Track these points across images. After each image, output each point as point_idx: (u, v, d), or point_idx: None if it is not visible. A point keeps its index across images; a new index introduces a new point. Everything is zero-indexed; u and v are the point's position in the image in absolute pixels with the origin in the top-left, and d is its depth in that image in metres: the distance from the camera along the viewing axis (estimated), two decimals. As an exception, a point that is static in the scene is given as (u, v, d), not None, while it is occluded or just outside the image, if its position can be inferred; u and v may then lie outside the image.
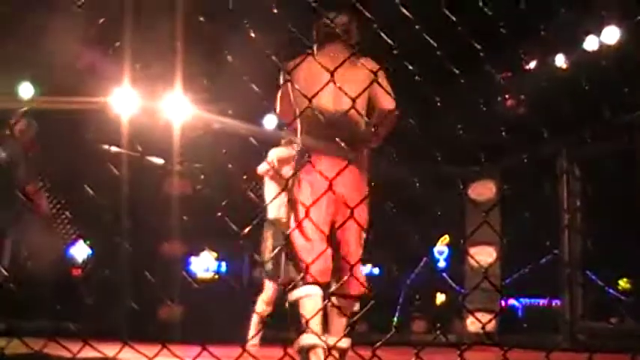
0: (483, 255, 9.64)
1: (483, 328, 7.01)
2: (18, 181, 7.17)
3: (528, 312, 11.22)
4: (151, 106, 9.07)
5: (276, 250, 6.29)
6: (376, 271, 12.11)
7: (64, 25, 7.32)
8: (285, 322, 3.95)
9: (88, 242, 10.51)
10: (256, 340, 6.22)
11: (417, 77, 2.62)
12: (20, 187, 7.16)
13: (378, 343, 2.90)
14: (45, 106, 8.80)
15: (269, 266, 6.50)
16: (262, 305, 6.71)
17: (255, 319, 6.64)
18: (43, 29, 7.69)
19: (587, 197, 9.14)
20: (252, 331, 6.52)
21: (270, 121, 10.50)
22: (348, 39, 4.00)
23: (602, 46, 8.29)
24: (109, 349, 2.98)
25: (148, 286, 7.36)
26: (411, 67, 2.67)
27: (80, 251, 10.51)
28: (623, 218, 8.23)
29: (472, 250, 9.64)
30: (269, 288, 6.65)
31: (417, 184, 5.98)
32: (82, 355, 2.69)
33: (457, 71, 2.69)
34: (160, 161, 8.33)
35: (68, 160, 9.65)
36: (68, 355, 2.65)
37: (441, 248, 11.62)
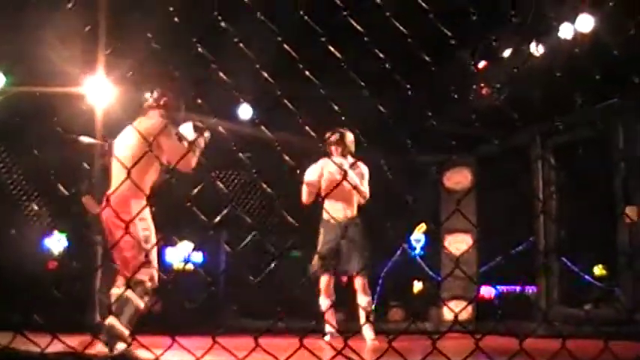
0: (459, 243, 9.67)
1: (456, 317, 7.05)
2: None
3: (504, 299, 11.27)
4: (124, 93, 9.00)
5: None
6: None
7: (34, 14, 7.25)
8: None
9: (64, 234, 10.39)
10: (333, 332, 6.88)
11: (387, 66, 2.59)
12: None
13: (351, 333, 2.90)
14: (16, 95, 8.72)
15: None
16: (325, 300, 7.25)
17: (327, 314, 7.29)
18: (11, 19, 7.59)
19: (562, 184, 9.19)
20: (328, 326, 7.01)
21: (244, 112, 10.49)
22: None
23: (576, 33, 8.30)
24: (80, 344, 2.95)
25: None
26: (382, 56, 2.65)
27: (56, 243, 10.40)
28: (598, 205, 8.29)
29: (448, 238, 9.68)
30: (324, 280, 7.22)
31: (390, 174, 6.06)
32: (51, 349, 2.65)
33: (428, 59, 2.66)
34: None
35: (40, 150, 9.54)
36: (37, 349, 2.61)
37: (418, 236, 11.62)
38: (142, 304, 4.97)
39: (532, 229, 9.31)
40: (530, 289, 10.20)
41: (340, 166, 6.85)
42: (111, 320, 4.83)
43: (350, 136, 7.31)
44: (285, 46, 2.57)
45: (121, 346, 4.75)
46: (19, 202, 10.03)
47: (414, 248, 11.44)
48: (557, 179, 9.23)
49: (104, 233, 5.38)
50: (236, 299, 9.72)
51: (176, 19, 2.98)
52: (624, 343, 3.61)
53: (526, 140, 9.25)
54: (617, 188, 8.11)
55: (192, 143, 5.24)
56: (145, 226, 5.07)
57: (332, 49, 2.51)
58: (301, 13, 2.55)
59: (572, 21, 8.25)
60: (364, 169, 7.29)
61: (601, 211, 8.37)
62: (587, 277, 9.10)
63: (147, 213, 5.06)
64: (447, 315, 9.90)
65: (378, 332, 7.35)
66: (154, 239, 5.12)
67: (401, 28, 2.62)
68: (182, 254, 10.71)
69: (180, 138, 5.33)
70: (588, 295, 8.79)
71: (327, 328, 7.03)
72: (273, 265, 2.72)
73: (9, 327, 3.15)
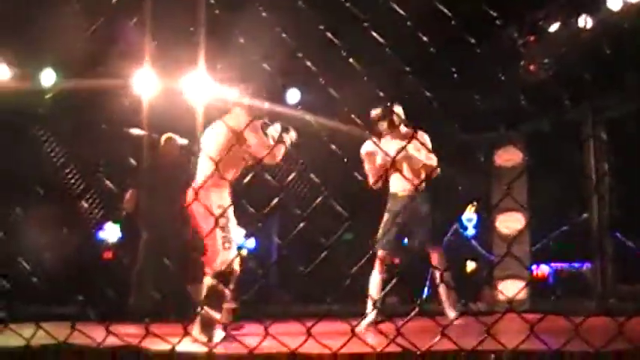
0: (512, 222, 9.53)
1: (510, 302, 6.95)
2: None
3: (559, 277, 11.14)
4: (172, 87, 9.09)
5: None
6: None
7: (80, 8, 7.32)
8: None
9: (118, 224, 10.52)
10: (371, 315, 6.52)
11: (431, 49, 2.56)
12: None
13: (403, 321, 2.88)
14: (68, 90, 8.85)
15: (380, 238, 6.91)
16: (376, 275, 6.89)
17: (372, 289, 6.81)
18: (58, 14, 7.69)
19: (615, 159, 9.02)
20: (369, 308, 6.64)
21: (292, 96, 10.46)
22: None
23: (625, 4, 8.13)
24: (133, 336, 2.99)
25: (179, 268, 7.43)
26: (425, 39, 2.62)
27: (110, 234, 10.55)
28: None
29: (500, 217, 9.55)
30: (380, 255, 6.88)
31: (441, 154, 6.01)
32: (107, 343, 2.70)
33: (472, 40, 2.62)
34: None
35: (94, 142, 9.69)
36: (93, 344, 2.66)
37: (470, 216, 11.54)
38: (224, 289, 5.22)
39: (586, 205, 9.16)
40: (586, 266, 10.07)
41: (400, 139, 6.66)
42: (204, 311, 5.08)
43: (398, 109, 6.97)
44: (329, 34, 2.55)
45: (219, 335, 5.03)
46: (72, 194, 10.18)
47: (466, 228, 11.37)
48: (609, 154, 9.06)
49: (192, 224, 5.61)
50: (289, 285, 9.75)
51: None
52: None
53: (577, 116, 9.09)
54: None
55: (279, 140, 5.58)
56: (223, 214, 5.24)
57: (374, 34, 2.48)
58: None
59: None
60: (422, 137, 6.76)
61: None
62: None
63: (226, 202, 5.34)
64: (501, 295, 9.81)
65: (430, 314, 7.27)
66: (233, 228, 5.38)
67: (444, 10, 2.59)
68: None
69: (267, 134, 5.61)
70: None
71: (368, 308, 6.81)
72: (323, 255, 2.72)
73: (66, 318, 3.22)
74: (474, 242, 10.83)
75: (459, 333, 2.96)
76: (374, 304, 6.49)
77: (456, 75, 2.53)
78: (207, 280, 5.25)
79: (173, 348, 2.87)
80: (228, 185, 5.45)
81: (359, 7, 2.71)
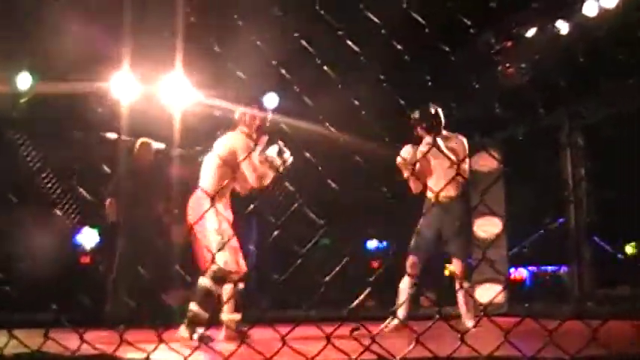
0: (490, 226, 9.59)
1: (485, 307, 6.98)
2: None
3: (537, 280, 11.19)
4: (151, 91, 9.06)
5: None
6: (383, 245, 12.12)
7: (57, 11, 7.29)
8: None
9: (96, 229, 10.45)
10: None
11: (405, 57, 2.57)
12: None
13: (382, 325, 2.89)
14: (45, 94, 8.78)
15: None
16: (405, 279, 6.83)
17: (402, 293, 6.78)
18: (35, 17, 7.64)
19: (592, 163, 9.09)
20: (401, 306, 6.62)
21: (270, 100, 10.41)
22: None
23: (601, 10, 8.19)
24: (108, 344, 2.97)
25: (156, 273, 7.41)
26: (399, 47, 2.62)
27: (88, 239, 10.47)
28: (630, 183, 8.19)
29: (478, 222, 9.60)
30: (409, 259, 6.81)
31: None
32: (82, 351, 2.68)
33: (446, 48, 2.63)
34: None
35: (70, 147, 9.63)
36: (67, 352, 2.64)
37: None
38: (217, 290, 5.49)
39: (563, 210, 9.23)
40: (563, 270, 10.14)
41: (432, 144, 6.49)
42: (191, 306, 5.41)
43: (434, 111, 6.68)
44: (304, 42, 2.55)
45: (200, 332, 5.35)
46: (47, 199, 10.10)
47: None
48: (586, 159, 9.13)
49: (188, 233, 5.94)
50: (266, 291, 9.72)
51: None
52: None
53: (554, 122, 9.15)
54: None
55: (270, 165, 5.78)
56: (215, 220, 5.50)
57: (349, 42, 2.49)
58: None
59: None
60: (458, 143, 6.71)
61: (633, 189, 8.27)
62: (619, 255, 9.03)
63: (221, 209, 5.58)
64: (479, 298, 9.86)
65: (411, 318, 7.23)
66: (228, 232, 5.55)
67: (418, 18, 2.60)
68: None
69: (263, 158, 5.82)
70: (621, 274, 8.72)
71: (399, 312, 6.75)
72: (297, 262, 2.71)
73: (40, 325, 3.20)
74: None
75: (435, 339, 2.96)
76: (394, 310, 6.44)
77: (430, 83, 2.54)
78: (201, 281, 5.46)
79: (148, 356, 2.86)
80: (227, 193, 5.77)
81: (335, 15, 2.71)
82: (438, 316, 2.81)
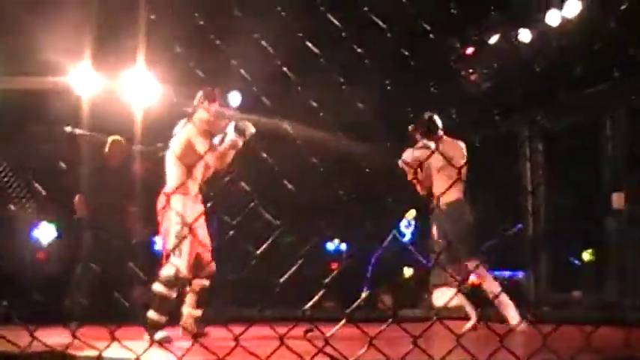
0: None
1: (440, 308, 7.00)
2: None
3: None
4: (113, 85, 8.98)
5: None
6: (343, 246, 12.16)
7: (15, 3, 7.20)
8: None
9: (54, 224, 10.32)
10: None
11: (365, 61, 2.58)
12: None
13: (334, 328, 2.89)
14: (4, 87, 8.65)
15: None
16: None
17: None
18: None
19: (551, 171, 9.20)
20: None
21: (234, 99, 10.40)
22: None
23: (564, 20, 8.29)
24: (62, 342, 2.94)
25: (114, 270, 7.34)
26: (360, 51, 2.63)
27: (45, 234, 10.33)
28: (587, 190, 8.31)
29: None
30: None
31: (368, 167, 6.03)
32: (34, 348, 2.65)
33: (407, 54, 2.65)
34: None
35: (30, 140, 9.50)
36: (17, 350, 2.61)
37: (408, 222, 11.63)
38: (171, 295, 5.45)
39: (521, 215, 9.33)
40: (521, 274, 10.23)
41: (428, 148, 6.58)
42: (149, 312, 5.40)
43: (435, 118, 6.82)
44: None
45: (160, 335, 5.25)
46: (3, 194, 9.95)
47: (404, 235, 11.45)
48: (545, 165, 9.24)
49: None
50: (223, 291, 9.67)
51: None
52: (611, 328, 3.62)
53: (514, 128, 9.25)
54: (605, 174, 8.14)
55: (229, 145, 5.68)
56: (178, 221, 5.45)
57: (310, 45, 2.49)
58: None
59: (560, 7, 8.26)
60: (457, 148, 6.74)
61: (589, 197, 8.39)
62: (576, 261, 9.14)
63: (187, 208, 5.54)
64: (437, 301, 9.89)
65: (367, 320, 7.26)
66: (201, 233, 5.64)
67: (379, 22, 2.61)
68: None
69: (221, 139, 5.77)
70: (577, 280, 8.83)
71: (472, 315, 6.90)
72: (253, 263, 2.71)
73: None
74: (411, 248, 10.91)
75: (389, 342, 2.98)
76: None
77: (389, 88, 2.55)
78: (155, 287, 5.44)
79: (100, 354, 2.84)
80: (195, 192, 5.73)
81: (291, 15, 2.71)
82: (391, 320, 2.81)
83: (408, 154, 6.68)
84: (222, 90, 6.03)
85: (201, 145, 5.56)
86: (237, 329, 2.84)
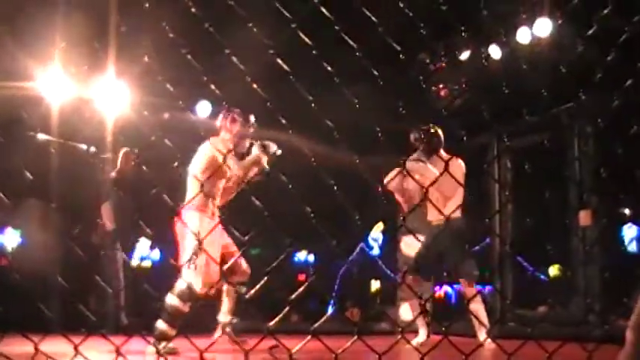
0: (416, 244, 9.67)
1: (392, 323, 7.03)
2: None
3: (462, 298, 11.34)
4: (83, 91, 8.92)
5: None
6: (311, 258, 12.15)
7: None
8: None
9: (18, 231, 10.22)
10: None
11: (335, 79, 2.59)
12: None
13: (299, 345, 2.89)
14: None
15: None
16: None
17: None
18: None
19: (518, 186, 9.28)
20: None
21: (203, 109, 10.36)
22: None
23: (534, 38, 8.38)
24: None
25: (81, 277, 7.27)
26: (329, 68, 2.64)
27: (8, 239, 10.23)
28: (554, 208, 8.39)
29: (405, 239, 9.67)
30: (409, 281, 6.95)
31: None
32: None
33: (375, 72, 2.67)
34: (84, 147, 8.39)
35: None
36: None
37: (376, 235, 11.65)
38: (184, 308, 5.51)
39: (489, 229, 9.39)
40: (488, 289, 10.29)
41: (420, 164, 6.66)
42: (158, 322, 5.48)
43: (439, 133, 6.87)
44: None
45: (167, 346, 5.32)
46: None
47: (372, 248, 11.47)
48: (513, 181, 9.32)
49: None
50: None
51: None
52: (577, 344, 3.64)
53: (483, 142, 9.33)
54: (572, 192, 8.23)
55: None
56: (194, 237, 5.48)
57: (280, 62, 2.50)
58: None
59: (530, 25, 8.35)
60: (456, 165, 6.65)
61: (556, 214, 8.47)
62: (542, 277, 9.21)
63: (204, 224, 5.64)
64: (404, 315, 9.92)
65: (335, 333, 7.23)
66: (213, 252, 5.60)
67: (349, 40, 2.62)
68: (140, 252, 10.61)
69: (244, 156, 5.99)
70: (543, 295, 8.90)
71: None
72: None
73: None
74: (379, 262, 10.95)
75: (355, 357, 2.99)
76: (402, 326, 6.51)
77: (357, 105, 2.57)
78: (169, 299, 5.54)
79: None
80: (214, 210, 5.81)
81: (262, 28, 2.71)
82: (356, 337, 2.82)
83: (390, 174, 6.83)
84: (244, 112, 6.08)
85: (228, 161, 5.73)
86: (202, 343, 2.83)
